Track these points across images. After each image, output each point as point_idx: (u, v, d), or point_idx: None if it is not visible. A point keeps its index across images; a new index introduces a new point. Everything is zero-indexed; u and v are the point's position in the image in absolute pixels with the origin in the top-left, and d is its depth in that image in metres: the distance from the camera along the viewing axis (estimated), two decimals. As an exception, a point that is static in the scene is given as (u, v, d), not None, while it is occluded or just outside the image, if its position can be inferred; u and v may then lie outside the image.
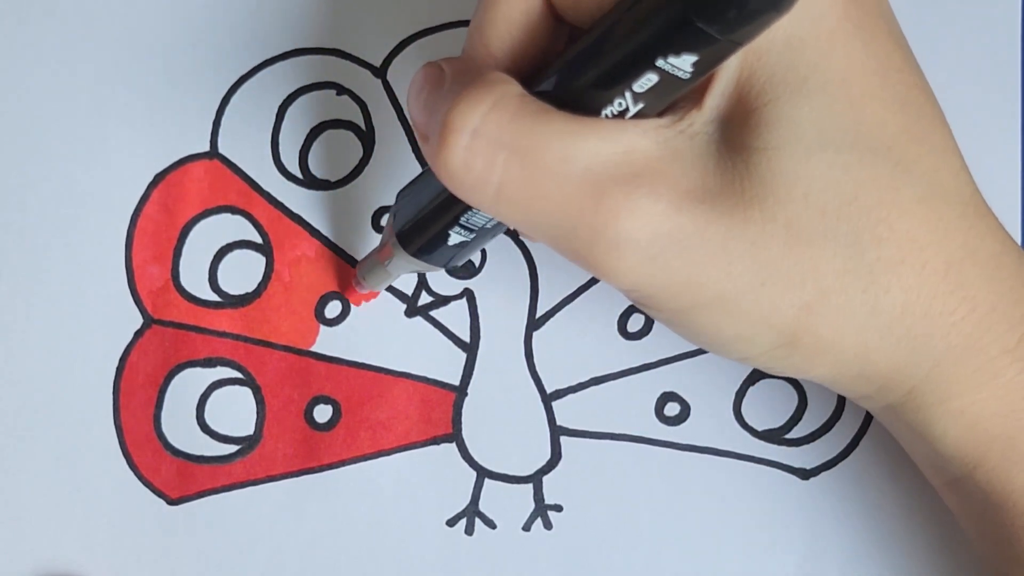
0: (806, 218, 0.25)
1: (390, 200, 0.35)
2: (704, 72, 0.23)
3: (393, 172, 0.35)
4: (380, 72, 0.35)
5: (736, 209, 0.25)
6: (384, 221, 0.35)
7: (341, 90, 0.35)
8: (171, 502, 0.34)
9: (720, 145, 0.25)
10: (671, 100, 0.25)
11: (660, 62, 0.23)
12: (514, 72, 0.26)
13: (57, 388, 0.34)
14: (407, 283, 0.35)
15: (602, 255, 0.24)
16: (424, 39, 0.35)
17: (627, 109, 0.24)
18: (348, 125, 0.35)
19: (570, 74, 0.25)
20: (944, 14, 0.35)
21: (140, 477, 0.34)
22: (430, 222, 0.29)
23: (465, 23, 0.35)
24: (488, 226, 0.28)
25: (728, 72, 0.25)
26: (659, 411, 0.35)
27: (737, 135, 0.25)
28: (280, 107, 0.35)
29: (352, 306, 0.35)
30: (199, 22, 0.35)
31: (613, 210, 0.24)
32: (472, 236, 0.29)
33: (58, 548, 0.34)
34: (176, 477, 0.34)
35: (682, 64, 0.23)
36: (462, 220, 0.28)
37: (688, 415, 0.35)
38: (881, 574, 0.34)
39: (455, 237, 0.29)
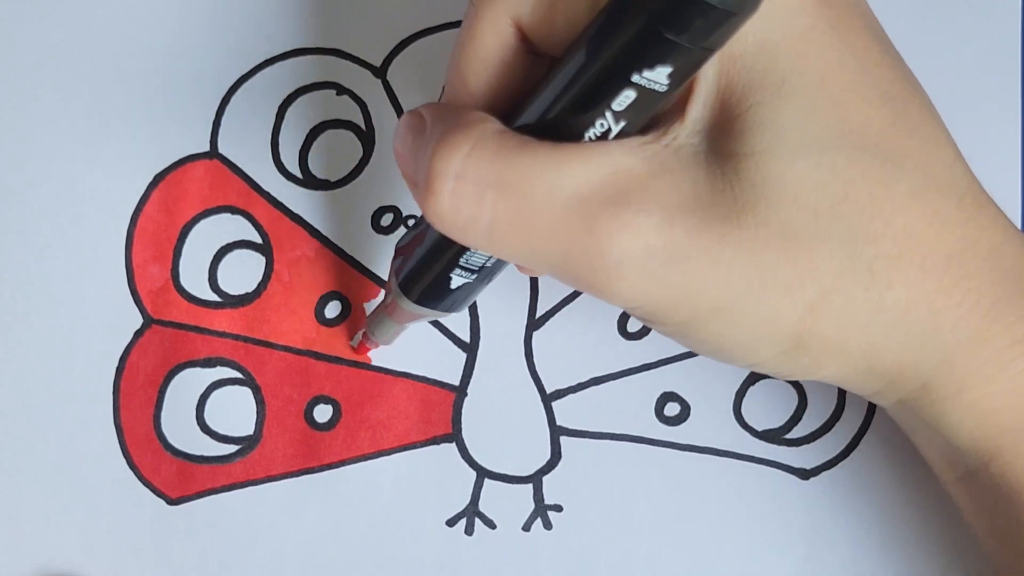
0: (799, 220, 0.25)
1: (390, 200, 0.35)
2: (681, 82, 0.23)
3: (393, 172, 0.35)
4: (380, 72, 0.35)
5: (729, 217, 0.24)
6: (384, 222, 0.35)
7: (341, 90, 0.35)
8: (171, 502, 0.34)
9: (707, 155, 0.25)
10: (651, 114, 0.25)
11: (636, 78, 0.23)
12: (495, 108, 0.26)
13: (57, 388, 0.35)
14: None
15: (601, 277, 0.24)
16: (424, 39, 0.35)
17: (609, 130, 0.24)
18: (348, 125, 0.35)
19: (549, 103, 0.25)
20: (944, 14, 0.35)
21: (140, 477, 0.34)
22: (430, 268, 0.29)
23: (465, 23, 0.35)
24: (488, 265, 0.28)
25: (707, 81, 0.25)
26: (659, 411, 0.35)
27: (723, 143, 0.25)
28: (280, 107, 0.35)
29: (352, 306, 0.35)
30: (199, 22, 0.35)
31: (605, 232, 0.24)
32: (474, 277, 0.29)
33: (58, 548, 0.34)
34: (176, 477, 0.34)
35: (657, 77, 0.23)
36: (461, 262, 0.28)
37: (688, 415, 0.35)
38: (881, 574, 0.34)
39: (457, 280, 0.29)
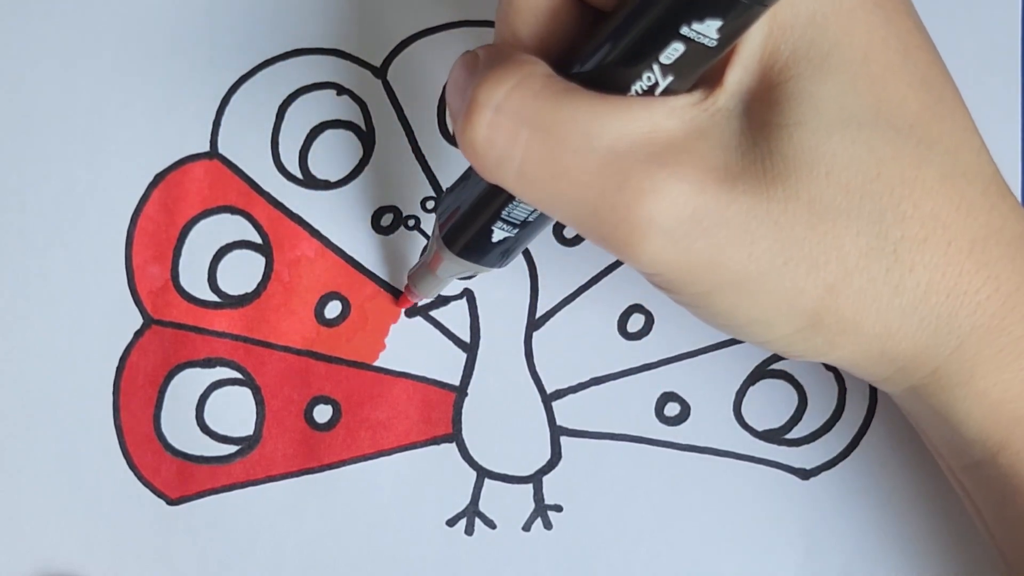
0: (829, 196, 0.24)
1: (390, 200, 0.35)
2: (730, 40, 0.23)
3: (393, 172, 0.35)
4: (380, 72, 0.35)
5: (759, 188, 0.24)
6: (384, 222, 0.35)
7: (341, 90, 0.35)
8: (171, 502, 0.34)
9: (743, 123, 0.25)
10: (699, 73, 0.24)
11: (685, 30, 0.23)
12: (543, 58, 0.26)
13: (57, 388, 0.35)
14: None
15: (625, 237, 0.24)
16: (424, 39, 0.35)
17: (656, 84, 0.24)
18: (348, 125, 0.35)
19: (597, 53, 0.24)
20: (944, 13, 0.35)
21: (140, 477, 0.34)
22: (472, 219, 0.29)
23: (465, 23, 0.35)
24: (530, 220, 0.28)
25: (751, 47, 0.25)
26: (659, 411, 0.35)
27: (759, 112, 0.25)
28: (280, 107, 0.35)
29: (351, 306, 0.35)
30: (199, 22, 0.35)
31: (637, 191, 0.24)
32: (516, 231, 0.29)
33: (58, 548, 0.34)
34: (176, 477, 0.34)
35: (707, 31, 0.23)
36: (504, 214, 0.28)
37: (688, 415, 0.35)
38: (881, 574, 0.34)
39: (498, 233, 0.29)
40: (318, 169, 0.35)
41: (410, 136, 0.35)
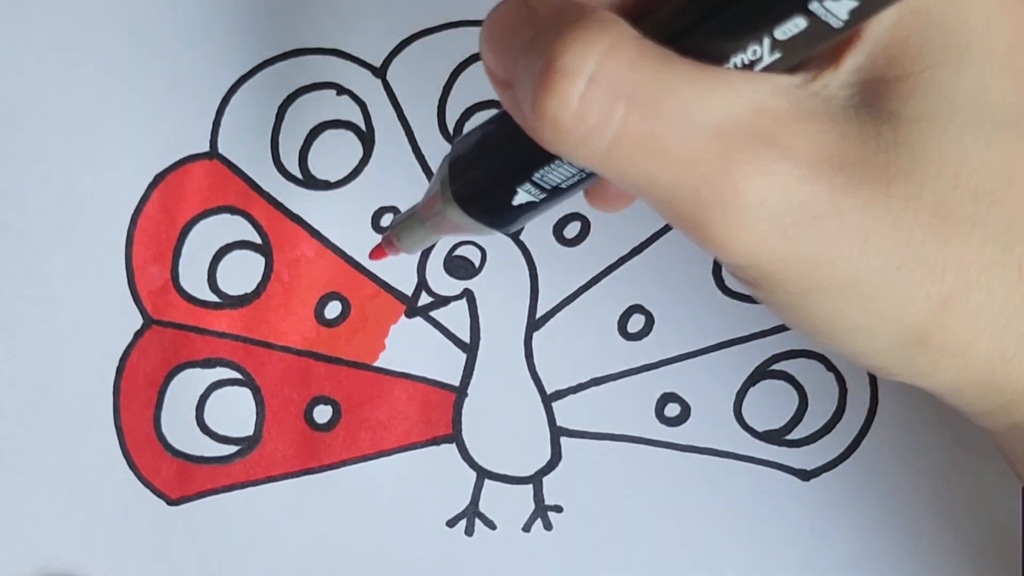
0: (955, 200, 0.22)
1: (390, 200, 0.35)
2: (859, 21, 0.21)
3: (393, 172, 0.35)
4: (380, 72, 0.35)
5: (878, 182, 0.22)
6: (384, 222, 0.35)
7: (341, 90, 0.35)
8: (171, 502, 0.34)
9: (860, 110, 0.22)
10: (810, 53, 0.22)
11: (814, 5, 0.20)
12: (618, 10, 0.23)
13: (57, 388, 0.35)
14: (407, 283, 0.35)
15: (723, 222, 0.22)
16: (424, 39, 0.35)
17: (760, 59, 0.21)
18: (348, 125, 0.35)
19: (694, 16, 0.22)
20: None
21: (140, 477, 0.34)
22: (494, 176, 0.25)
23: (465, 23, 0.35)
24: (564, 186, 0.24)
25: (878, 31, 0.22)
26: (659, 412, 0.35)
27: (883, 101, 0.22)
28: (280, 107, 0.35)
29: (351, 307, 0.35)
30: (199, 22, 0.35)
31: (744, 172, 0.21)
32: (542, 196, 0.25)
33: (58, 548, 0.34)
34: (176, 477, 0.34)
35: (838, 9, 0.20)
36: (535, 176, 0.24)
37: (688, 416, 0.35)
38: (881, 574, 0.34)
39: (522, 196, 0.25)
40: (318, 169, 0.35)
41: (410, 136, 0.35)
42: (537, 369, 0.35)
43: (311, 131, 0.35)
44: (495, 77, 0.23)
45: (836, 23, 0.20)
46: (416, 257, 0.35)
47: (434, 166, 0.35)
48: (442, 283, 0.35)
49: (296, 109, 0.35)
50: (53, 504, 0.34)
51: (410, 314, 0.35)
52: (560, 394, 0.35)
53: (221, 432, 0.35)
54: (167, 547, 0.34)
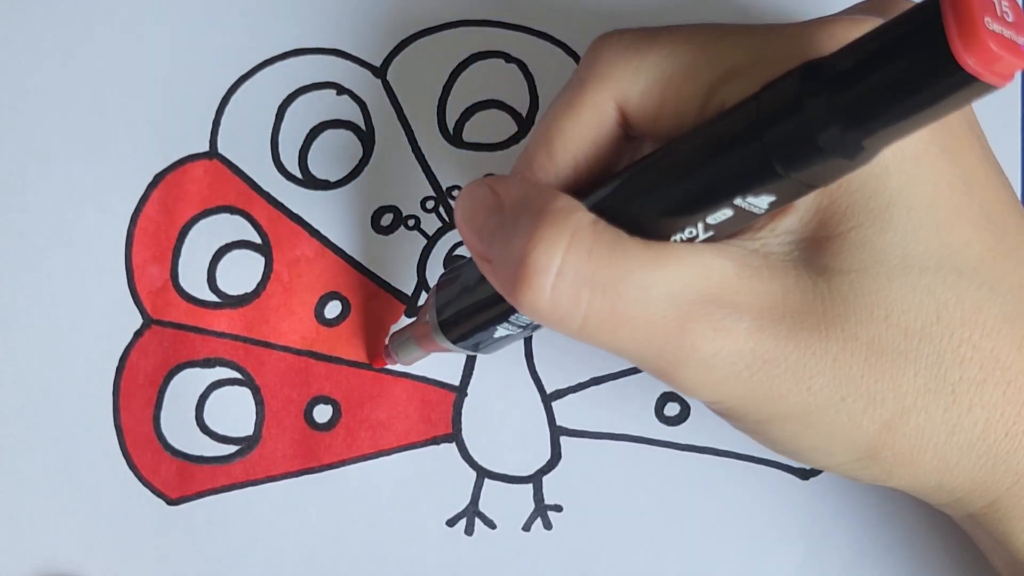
0: (888, 338, 0.25)
1: (390, 200, 0.35)
2: (779, 207, 0.23)
3: (393, 172, 0.35)
4: (380, 72, 0.35)
5: (817, 328, 0.25)
6: (384, 222, 0.35)
7: (341, 90, 0.35)
8: (171, 502, 0.34)
9: (798, 264, 0.25)
10: (740, 228, 0.25)
11: (738, 200, 0.23)
12: (574, 182, 0.27)
13: (57, 388, 0.35)
14: (407, 283, 0.35)
15: (687, 374, 0.25)
16: (424, 39, 0.35)
17: (696, 236, 0.24)
18: (348, 125, 0.35)
19: (640, 199, 0.25)
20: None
21: (140, 477, 0.34)
22: (476, 316, 0.29)
23: (465, 23, 0.35)
24: (537, 323, 0.28)
25: (806, 200, 0.25)
26: (659, 411, 0.35)
27: (817, 256, 0.25)
28: (280, 107, 0.35)
29: (351, 306, 0.35)
30: (199, 22, 0.35)
31: (698, 332, 0.24)
32: (519, 331, 0.29)
33: (58, 548, 0.34)
34: (176, 477, 0.34)
35: (759, 203, 0.23)
36: (511, 319, 0.28)
37: (688, 415, 0.35)
38: (881, 574, 0.34)
39: (501, 331, 0.29)
40: (318, 169, 0.35)
41: (410, 136, 0.35)
42: (537, 368, 0.35)
43: (311, 131, 0.35)
44: (474, 251, 0.26)
45: (758, 211, 0.23)
46: (416, 257, 0.35)
47: (434, 166, 0.35)
48: (442, 283, 0.35)
49: (296, 109, 0.35)
50: (53, 504, 0.34)
51: (410, 314, 0.35)
52: (560, 393, 0.35)
53: (221, 432, 0.35)
54: (167, 547, 0.34)
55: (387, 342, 0.34)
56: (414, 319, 0.34)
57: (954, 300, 0.25)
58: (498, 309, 0.28)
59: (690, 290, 0.24)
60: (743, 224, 0.24)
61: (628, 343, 0.25)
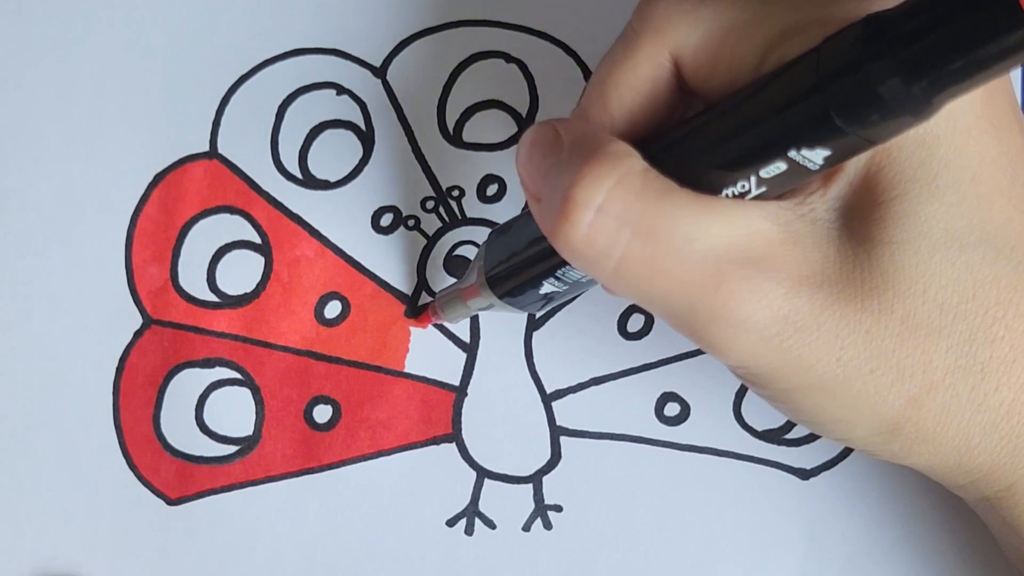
0: (923, 313, 0.25)
1: (390, 200, 0.35)
2: (834, 164, 0.23)
3: (393, 172, 0.35)
4: (380, 72, 0.35)
5: (853, 298, 0.25)
6: (384, 222, 0.35)
7: (341, 90, 0.35)
8: (170, 502, 0.34)
9: (841, 232, 0.25)
10: (793, 186, 0.25)
11: (792, 153, 0.23)
12: (630, 136, 0.26)
13: (57, 388, 0.35)
14: (407, 283, 0.35)
15: (717, 334, 0.25)
16: (424, 39, 0.35)
17: (748, 191, 0.24)
18: (348, 125, 0.35)
19: (694, 150, 0.25)
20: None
21: (140, 477, 0.34)
22: (523, 270, 0.29)
23: (465, 23, 0.35)
24: (583, 280, 0.28)
25: (856, 163, 0.25)
26: (659, 411, 0.35)
27: (860, 225, 0.25)
28: (280, 107, 0.35)
29: (351, 306, 0.35)
30: (199, 22, 0.35)
31: (734, 293, 0.24)
32: (565, 288, 0.29)
33: (58, 548, 0.34)
34: (175, 477, 0.34)
35: (814, 157, 0.23)
36: (558, 273, 0.28)
37: (688, 415, 0.35)
38: (881, 574, 0.34)
39: (547, 287, 0.29)
40: (318, 169, 0.35)
41: (410, 136, 0.35)
42: (537, 368, 0.35)
43: (311, 131, 0.35)
44: (528, 190, 0.26)
45: (813, 167, 0.23)
46: (416, 257, 0.35)
47: (434, 166, 0.35)
48: (442, 283, 0.35)
49: (296, 109, 0.35)
50: (53, 504, 0.34)
51: (410, 313, 0.35)
52: (560, 393, 0.35)
53: (221, 432, 0.35)
54: (167, 547, 0.34)
55: (435, 300, 0.34)
56: (456, 281, 0.34)
57: (991, 278, 0.25)
58: (546, 264, 0.28)
59: (733, 249, 0.24)
60: (795, 182, 0.24)
61: (662, 294, 0.24)
